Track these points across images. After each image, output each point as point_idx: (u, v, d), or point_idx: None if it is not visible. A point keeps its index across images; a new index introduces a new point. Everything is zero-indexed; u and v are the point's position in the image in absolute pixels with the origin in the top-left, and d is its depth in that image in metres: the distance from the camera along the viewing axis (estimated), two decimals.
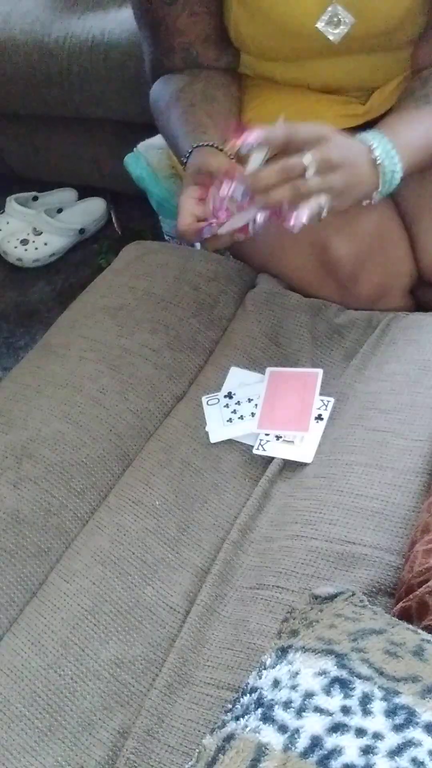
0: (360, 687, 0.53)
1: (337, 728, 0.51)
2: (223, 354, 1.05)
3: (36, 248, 1.90)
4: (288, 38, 1.00)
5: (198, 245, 1.48)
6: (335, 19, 0.96)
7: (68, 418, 0.97)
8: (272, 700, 0.54)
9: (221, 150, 0.95)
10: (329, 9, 0.96)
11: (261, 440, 0.93)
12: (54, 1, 1.75)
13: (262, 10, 0.98)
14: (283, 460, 0.92)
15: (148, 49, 1.11)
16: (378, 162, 0.89)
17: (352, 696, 0.53)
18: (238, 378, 1.01)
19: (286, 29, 0.99)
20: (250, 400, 0.97)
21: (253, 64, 1.11)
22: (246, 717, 0.53)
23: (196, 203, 0.90)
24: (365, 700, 0.52)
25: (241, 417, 0.96)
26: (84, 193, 1.99)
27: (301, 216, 0.84)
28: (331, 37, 0.98)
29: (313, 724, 0.51)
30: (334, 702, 0.52)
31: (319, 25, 0.97)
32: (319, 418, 0.94)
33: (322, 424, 0.94)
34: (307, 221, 0.84)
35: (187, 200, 0.90)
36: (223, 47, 1.08)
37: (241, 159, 0.88)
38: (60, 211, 1.97)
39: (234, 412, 0.96)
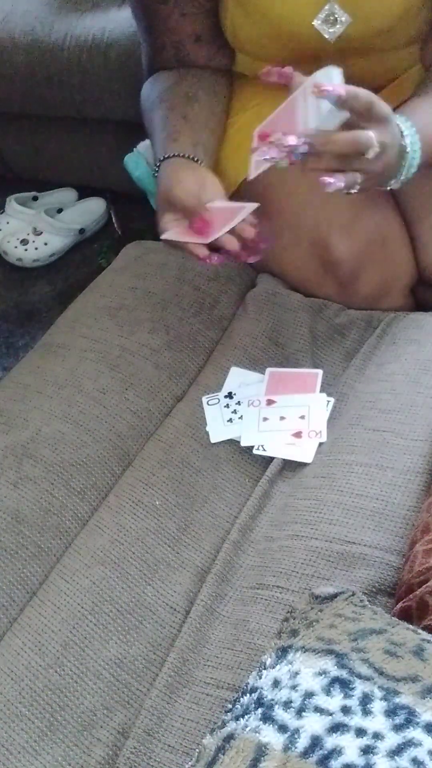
0: (360, 687, 0.53)
1: (337, 728, 0.51)
2: (223, 354, 1.05)
3: (36, 248, 1.90)
4: (285, 38, 1.00)
5: None
6: (331, 18, 0.96)
7: (68, 418, 0.97)
8: (272, 700, 0.54)
9: (192, 159, 0.96)
10: (326, 7, 0.96)
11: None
12: (54, 1, 1.75)
13: (259, 10, 0.98)
14: (283, 460, 0.92)
15: (144, 46, 1.12)
16: (407, 151, 0.86)
17: (352, 696, 0.53)
18: (238, 378, 1.01)
19: (282, 28, 0.99)
20: (250, 401, 0.97)
21: (250, 65, 1.11)
22: (246, 717, 0.53)
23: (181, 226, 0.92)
24: (365, 700, 0.52)
25: (242, 417, 0.96)
26: (84, 193, 1.99)
27: (339, 183, 0.80)
28: (327, 36, 0.98)
29: (313, 724, 0.51)
30: (334, 702, 0.52)
31: (316, 23, 0.97)
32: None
33: (322, 424, 0.94)
34: (340, 189, 0.81)
35: (170, 225, 0.92)
36: (216, 47, 1.07)
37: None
38: (60, 211, 1.97)
39: (234, 412, 0.96)
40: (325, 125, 0.78)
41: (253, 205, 0.88)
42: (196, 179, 0.93)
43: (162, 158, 0.97)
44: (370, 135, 0.78)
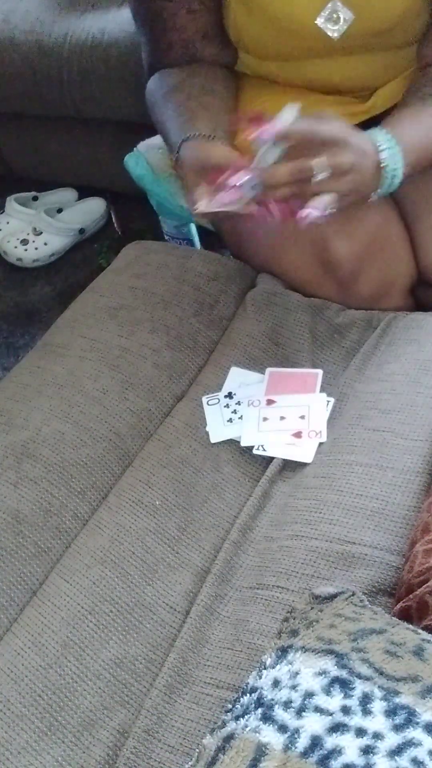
0: (360, 687, 0.53)
1: (337, 728, 0.51)
2: (223, 354, 1.05)
3: (36, 248, 1.90)
4: (287, 36, 1.00)
5: (198, 245, 1.48)
6: (335, 16, 0.97)
7: (68, 418, 0.97)
8: (272, 699, 0.54)
9: (214, 138, 0.96)
10: (329, 5, 0.96)
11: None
12: (54, 1, 1.75)
13: (261, 8, 0.98)
14: (283, 460, 0.92)
15: (146, 45, 1.11)
16: (383, 165, 0.89)
17: (352, 696, 0.53)
18: (238, 378, 1.01)
19: (285, 26, 0.99)
20: (250, 401, 0.97)
21: (253, 64, 1.11)
22: (246, 717, 0.53)
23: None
24: (365, 700, 0.52)
25: (242, 417, 0.96)
26: (84, 193, 1.99)
27: (310, 214, 0.84)
28: (330, 34, 0.98)
29: (313, 724, 0.51)
30: (334, 702, 0.52)
31: (319, 21, 0.97)
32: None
33: (322, 424, 0.94)
34: (314, 219, 0.85)
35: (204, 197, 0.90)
36: (223, 44, 1.08)
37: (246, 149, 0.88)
38: (60, 211, 1.97)
39: (234, 412, 0.96)
40: (263, 162, 0.84)
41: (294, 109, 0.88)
42: (225, 147, 0.94)
43: (184, 138, 0.96)
44: (315, 161, 0.83)
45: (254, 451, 0.93)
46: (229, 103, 1.08)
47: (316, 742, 0.50)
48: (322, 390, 0.97)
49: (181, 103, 1.03)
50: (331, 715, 0.52)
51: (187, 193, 0.92)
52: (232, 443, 0.95)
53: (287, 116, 0.84)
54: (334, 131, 0.86)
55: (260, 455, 0.93)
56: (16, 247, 1.90)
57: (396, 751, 0.49)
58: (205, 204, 0.88)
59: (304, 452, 0.92)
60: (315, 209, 0.84)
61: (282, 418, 0.94)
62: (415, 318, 1.04)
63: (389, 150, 0.89)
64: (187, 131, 0.97)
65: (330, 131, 0.85)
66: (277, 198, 0.85)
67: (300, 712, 0.52)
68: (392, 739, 0.50)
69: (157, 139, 1.27)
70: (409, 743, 0.49)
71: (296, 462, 0.91)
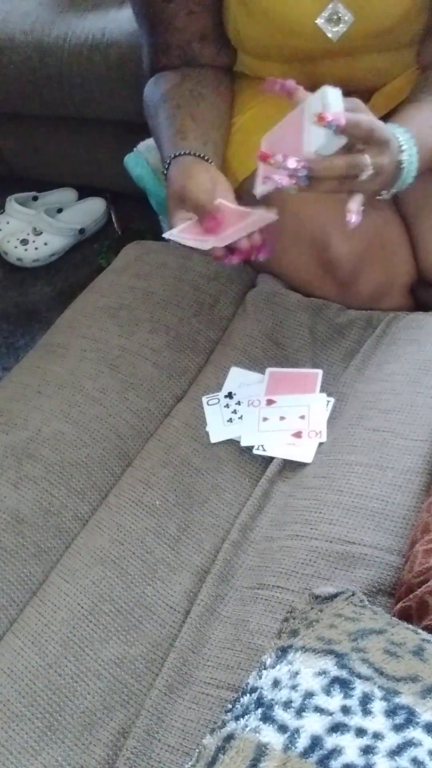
0: (360, 687, 0.53)
1: (337, 728, 0.51)
2: (223, 354, 1.05)
3: (36, 248, 1.90)
4: (287, 37, 1.00)
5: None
6: (335, 17, 0.96)
7: (68, 418, 0.97)
8: (272, 699, 0.54)
9: (201, 157, 0.96)
10: (329, 6, 0.96)
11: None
12: (54, 1, 1.75)
13: (262, 8, 0.98)
14: (283, 460, 0.92)
15: (146, 46, 1.12)
16: (402, 165, 0.88)
17: (352, 696, 0.53)
18: (238, 378, 1.01)
19: (285, 27, 0.99)
20: (250, 401, 0.97)
21: (252, 65, 1.11)
22: (246, 717, 0.53)
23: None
24: (365, 700, 0.52)
25: (242, 417, 0.96)
26: (84, 193, 1.99)
27: (358, 218, 0.83)
28: (330, 35, 0.98)
29: (313, 724, 0.51)
30: (334, 702, 0.52)
31: (319, 21, 0.97)
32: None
33: (322, 424, 0.94)
34: (355, 223, 0.84)
35: (181, 223, 0.91)
36: (221, 45, 1.08)
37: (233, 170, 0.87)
38: (60, 211, 1.97)
39: (234, 412, 0.96)
40: (324, 150, 0.80)
41: (272, 217, 0.87)
42: (209, 176, 0.94)
43: (172, 156, 0.97)
44: (365, 158, 0.81)
45: (254, 451, 0.93)
46: (220, 107, 1.08)
47: (316, 742, 0.50)
48: (322, 390, 0.97)
49: (171, 114, 1.03)
50: (331, 715, 0.52)
51: (168, 216, 0.93)
52: (232, 443, 0.95)
53: (335, 101, 0.78)
54: (387, 132, 0.83)
55: (260, 455, 0.93)
56: (16, 247, 1.90)
57: (396, 751, 0.49)
58: (175, 231, 0.89)
59: (304, 452, 0.92)
60: (356, 214, 0.83)
61: (282, 418, 0.94)
62: (415, 318, 1.04)
63: (408, 150, 0.88)
64: (177, 147, 0.97)
65: (386, 131, 0.83)
66: (321, 191, 0.82)
67: (300, 712, 0.52)
68: (392, 739, 0.50)
69: None
70: (409, 743, 0.50)
71: (296, 462, 0.91)
